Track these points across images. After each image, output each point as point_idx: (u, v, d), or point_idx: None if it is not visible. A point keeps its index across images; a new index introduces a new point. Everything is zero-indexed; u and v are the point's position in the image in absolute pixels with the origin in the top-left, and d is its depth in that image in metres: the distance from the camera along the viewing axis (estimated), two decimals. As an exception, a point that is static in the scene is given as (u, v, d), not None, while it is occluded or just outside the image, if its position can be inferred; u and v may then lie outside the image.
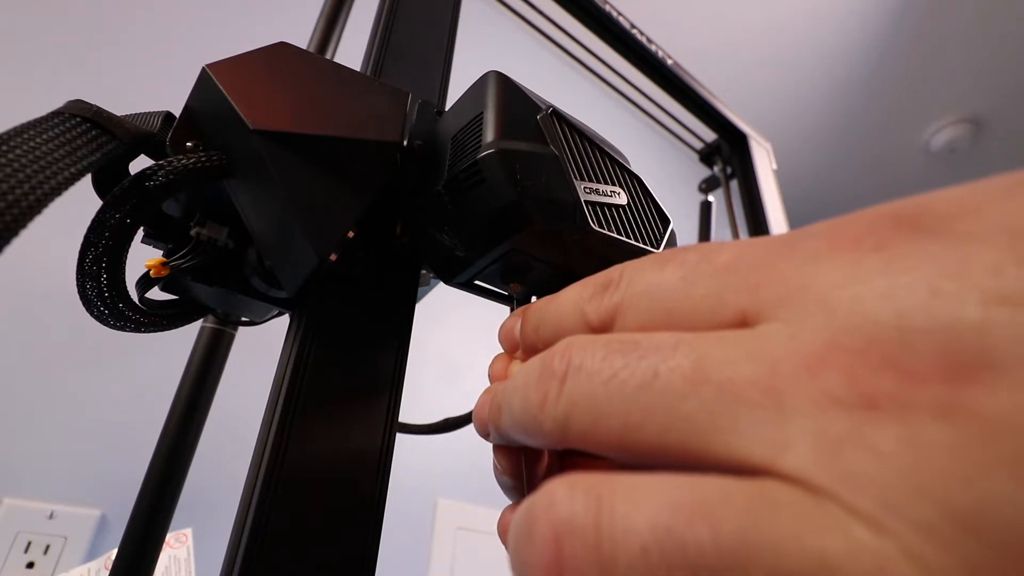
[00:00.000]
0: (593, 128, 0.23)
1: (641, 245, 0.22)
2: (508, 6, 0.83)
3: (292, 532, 0.18)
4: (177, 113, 0.21)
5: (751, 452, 0.09)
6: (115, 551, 0.32)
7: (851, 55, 1.66)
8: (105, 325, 0.21)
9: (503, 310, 0.28)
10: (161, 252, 0.23)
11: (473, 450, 0.98)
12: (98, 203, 0.19)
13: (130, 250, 0.19)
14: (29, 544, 0.60)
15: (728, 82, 1.67)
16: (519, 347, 0.17)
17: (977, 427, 0.07)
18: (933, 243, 0.09)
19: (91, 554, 0.62)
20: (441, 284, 0.29)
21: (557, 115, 0.21)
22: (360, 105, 0.22)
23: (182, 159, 0.19)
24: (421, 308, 0.28)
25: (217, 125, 0.20)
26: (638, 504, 0.09)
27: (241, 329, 0.38)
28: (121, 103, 0.22)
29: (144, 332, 0.23)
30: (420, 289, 0.26)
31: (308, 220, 0.19)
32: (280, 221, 0.20)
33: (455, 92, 0.25)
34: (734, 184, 0.79)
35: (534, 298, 0.25)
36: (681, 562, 0.08)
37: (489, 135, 0.19)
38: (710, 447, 0.09)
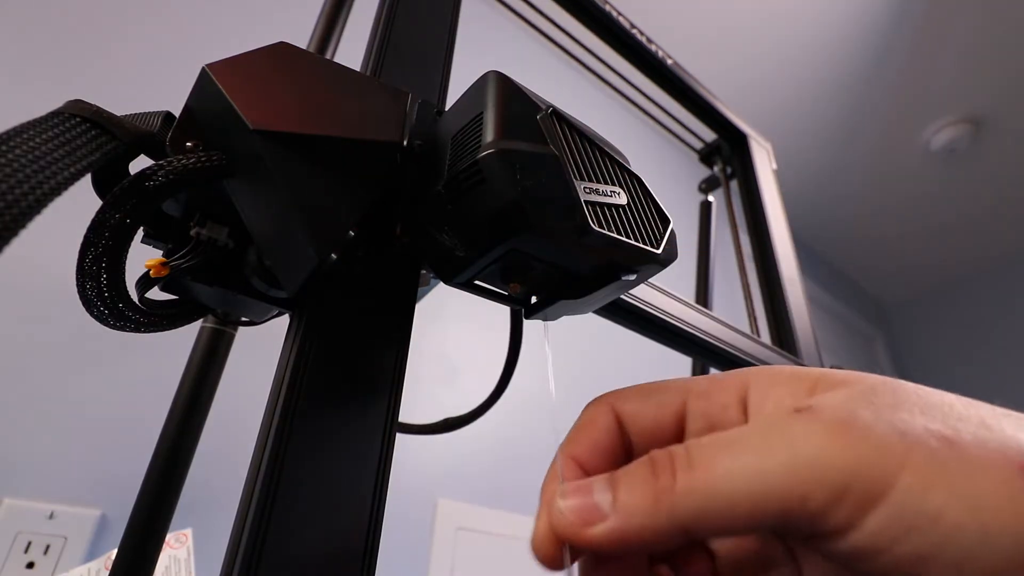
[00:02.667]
0: (593, 128, 0.23)
1: (641, 245, 0.22)
2: (508, 6, 0.83)
3: (292, 532, 0.18)
4: (177, 113, 0.21)
5: None
6: (115, 551, 0.32)
7: (851, 56, 1.66)
8: (105, 325, 0.21)
9: (503, 310, 0.28)
10: (161, 252, 0.23)
11: (473, 450, 0.98)
12: (98, 203, 0.19)
13: (130, 250, 0.19)
14: (29, 544, 0.59)
15: (727, 82, 1.67)
16: None
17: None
18: None
19: (91, 554, 0.62)
20: (441, 284, 0.29)
21: (557, 115, 0.21)
22: (360, 105, 0.22)
23: (182, 159, 0.19)
24: (421, 308, 0.28)
25: (217, 125, 0.20)
26: None
27: (241, 329, 0.38)
28: (121, 103, 0.22)
29: (144, 332, 0.23)
30: (420, 289, 0.26)
31: (308, 220, 0.19)
32: (280, 221, 0.20)
33: (455, 92, 0.25)
34: (734, 184, 0.79)
35: (534, 298, 0.25)
36: None
37: (489, 135, 0.19)
38: None
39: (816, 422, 0.13)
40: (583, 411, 0.19)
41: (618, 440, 0.18)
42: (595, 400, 0.19)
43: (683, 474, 0.13)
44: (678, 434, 0.17)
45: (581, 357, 1.23)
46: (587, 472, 0.17)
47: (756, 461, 0.13)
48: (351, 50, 0.43)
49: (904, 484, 0.11)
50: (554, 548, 0.14)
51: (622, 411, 0.18)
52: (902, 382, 0.14)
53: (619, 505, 0.14)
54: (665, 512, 0.13)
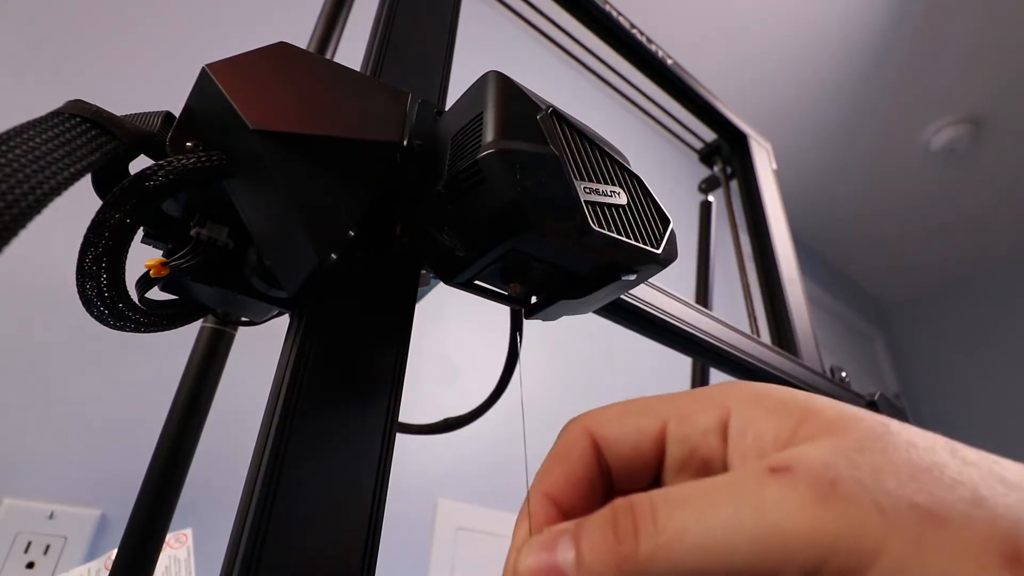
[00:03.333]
0: (593, 128, 0.23)
1: (641, 245, 0.22)
2: (508, 6, 0.83)
3: (292, 532, 0.18)
4: (177, 113, 0.21)
5: None
6: (115, 551, 0.32)
7: (851, 56, 1.66)
8: (105, 325, 0.21)
9: (503, 310, 0.28)
10: (161, 252, 0.23)
11: (473, 450, 0.98)
12: (98, 203, 0.19)
13: (130, 250, 0.19)
14: (29, 544, 0.59)
15: (727, 82, 1.67)
16: None
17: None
18: None
19: (91, 554, 0.62)
20: (441, 284, 0.29)
21: (557, 115, 0.21)
22: (360, 105, 0.22)
23: (182, 159, 0.19)
24: (421, 308, 0.28)
25: (217, 125, 0.20)
26: None
27: (241, 329, 0.38)
28: (121, 103, 0.22)
29: (144, 332, 0.23)
30: (420, 289, 0.26)
31: (308, 220, 0.19)
32: (280, 221, 0.20)
33: (455, 92, 0.25)
34: (734, 184, 0.79)
35: (534, 298, 0.25)
36: None
37: (489, 135, 0.19)
38: None
39: (792, 487, 0.12)
40: (559, 436, 0.18)
41: (595, 469, 0.17)
42: (570, 423, 0.18)
43: (647, 539, 0.13)
44: (658, 459, 0.17)
45: (582, 357, 1.24)
46: (561, 507, 0.17)
47: (725, 531, 0.12)
48: (351, 50, 0.43)
49: (878, 569, 0.11)
50: None
51: (599, 436, 0.17)
52: (896, 432, 0.13)
53: (583, 568, 0.14)
54: None
